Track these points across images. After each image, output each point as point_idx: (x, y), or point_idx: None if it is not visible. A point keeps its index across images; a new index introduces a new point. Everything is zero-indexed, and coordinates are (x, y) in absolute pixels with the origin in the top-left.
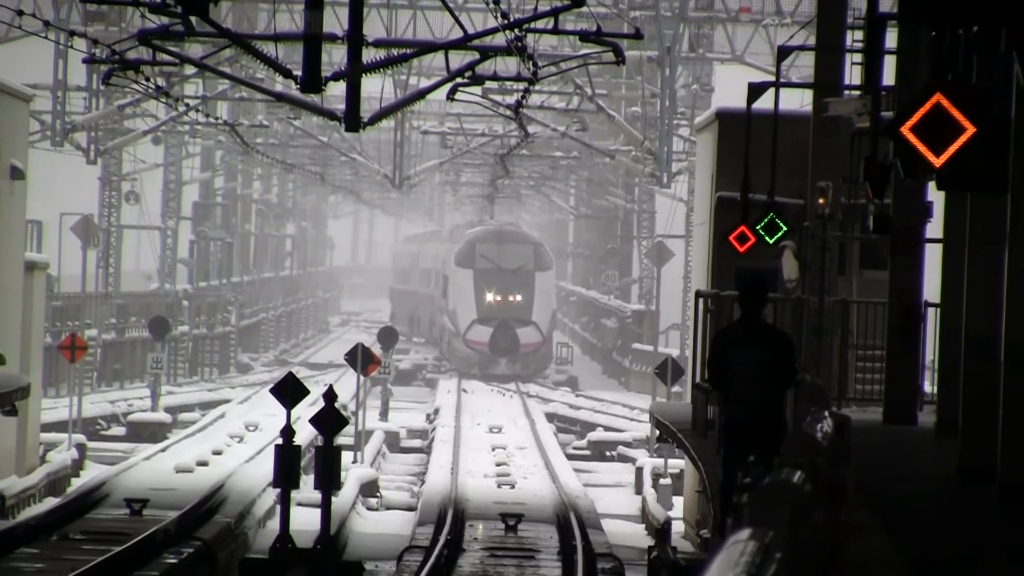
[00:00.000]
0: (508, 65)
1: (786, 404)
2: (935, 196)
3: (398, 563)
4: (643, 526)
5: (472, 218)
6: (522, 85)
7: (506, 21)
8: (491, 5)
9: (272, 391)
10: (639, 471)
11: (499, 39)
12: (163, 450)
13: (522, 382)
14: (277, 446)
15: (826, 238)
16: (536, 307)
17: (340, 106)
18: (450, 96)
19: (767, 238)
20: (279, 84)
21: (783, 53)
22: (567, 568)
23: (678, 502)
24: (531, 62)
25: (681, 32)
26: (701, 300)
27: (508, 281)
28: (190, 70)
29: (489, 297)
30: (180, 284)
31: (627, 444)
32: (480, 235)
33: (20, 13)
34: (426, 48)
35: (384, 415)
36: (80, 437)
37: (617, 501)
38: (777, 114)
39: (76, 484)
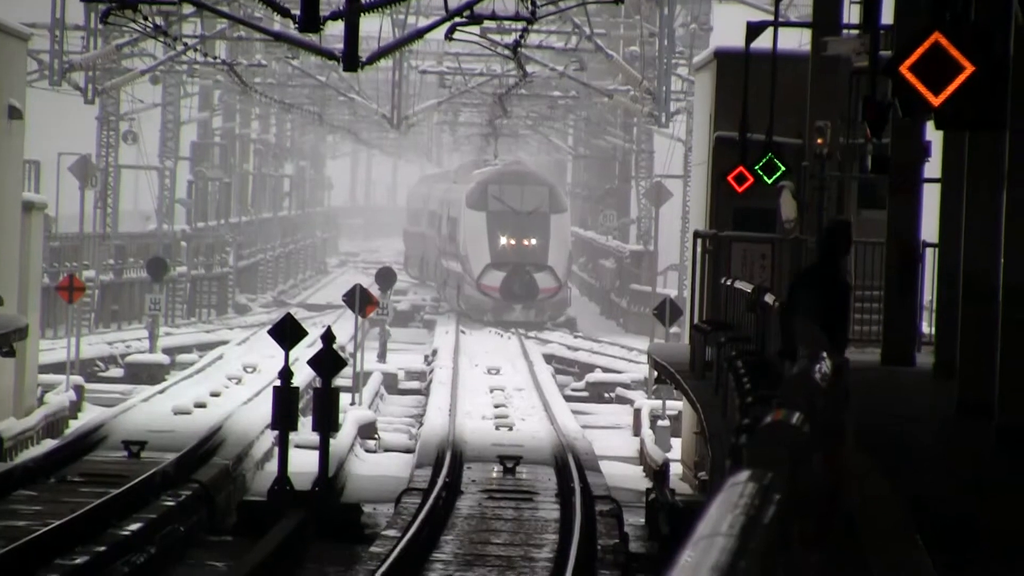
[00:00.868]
0: (506, 4)
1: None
2: (933, 136)
3: (396, 505)
4: (641, 468)
5: (473, 158)
6: (520, 25)
7: None
8: None
9: (270, 332)
10: (637, 413)
11: None
12: (161, 392)
13: (537, 330)
14: (275, 388)
15: (824, 178)
16: (552, 251)
17: (338, 46)
18: (448, 36)
19: (765, 178)
20: (277, 23)
21: None
22: (565, 510)
23: (676, 444)
24: (529, 1)
25: None
26: (699, 240)
27: (523, 224)
28: (188, 9)
29: (503, 241)
30: (178, 224)
31: (625, 385)
32: (492, 175)
33: None
34: None
35: (382, 356)
36: (78, 378)
37: (615, 443)
38: (776, 54)
39: (74, 426)
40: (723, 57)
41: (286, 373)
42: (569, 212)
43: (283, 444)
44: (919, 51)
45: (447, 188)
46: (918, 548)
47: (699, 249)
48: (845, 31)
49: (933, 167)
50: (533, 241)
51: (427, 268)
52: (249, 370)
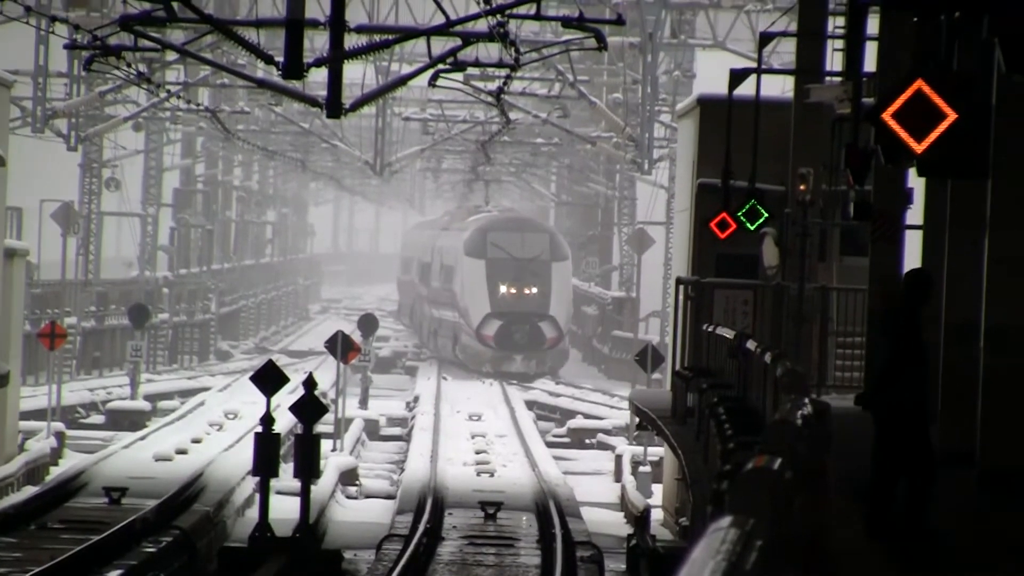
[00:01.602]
0: (490, 51)
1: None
2: (916, 183)
3: (377, 552)
4: (622, 514)
5: (458, 204)
6: (504, 71)
7: (488, 7)
8: None
9: (252, 379)
10: (618, 459)
11: (481, 25)
12: (142, 438)
13: (528, 382)
14: (257, 434)
15: (807, 224)
16: (554, 300)
17: (322, 92)
18: (432, 82)
19: (748, 225)
20: (261, 70)
21: (765, 39)
22: (546, 556)
23: (657, 490)
24: (513, 48)
25: (663, 18)
26: (682, 287)
27: (523, 272)
28: (171, 56)
29: (503, 289)
30: (160, 271)
31: (607, 432)
32: (491, 222)
33: None
34: (408, 34)
35: (364, 403)
36: (59, 425)
37: (596, 489)
38: (759, 100)
39: (55, 472)
40: (706, 104)
41: (267, 419)
42: (570, 260)
43: (264, 490)
44: (902, 98)
45: (437, 235)
46: None
47: (681, 295)
48: (828, 78)
49: (916, 214)
50: (534, 290)
51: (415, 316)
52: (231, 416)
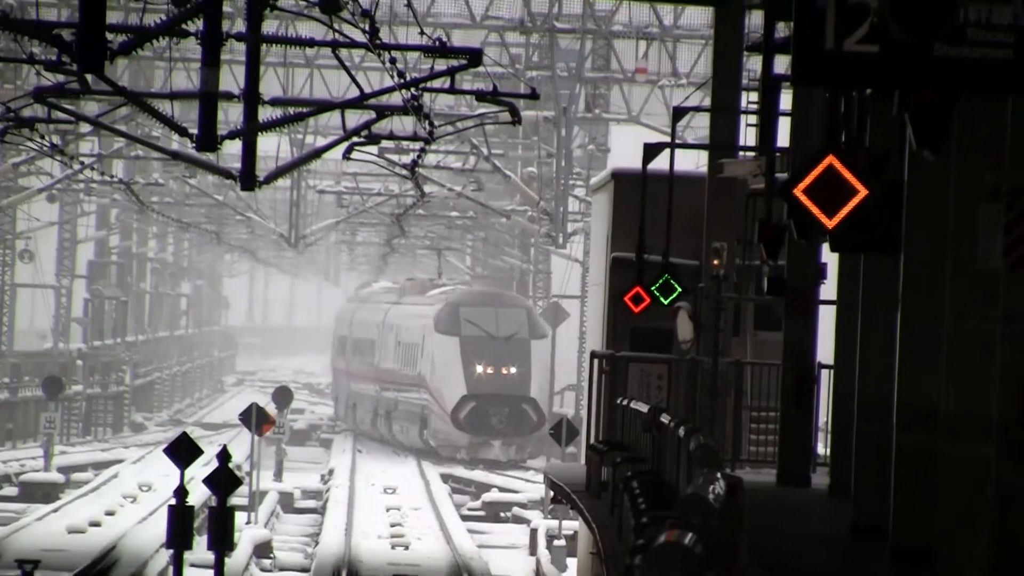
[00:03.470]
0: (404, 124)
1: None
2: (829, 258)
3: None
4: None
5: (368, 278)
6: (418, 144)
7: (402, 80)
8: (388, 64)
9: (166, 451)
10: (533, 532)
11: (396, 98)
12: (55, 510)
13: (514, 468)
14: (170, 506)
15: (721, 299)
16: (534, 381)
17: (236, 165)
18: (346, 155)
19: (662, 299)
20: (175, 142)
21: (679, 114)
22: None
23: (572, 564)
24: (427, 121)
25: (577, 92)
26: (596, 360)
27: (500, 351)
28: (85, 128)
29: (479, 369)
30: (74, 343)
31: (521, 505)
32: (463, 297)
33: None
34: (322, 107)
35: (278, 475)
36: None
37: (511, 562)
38: (672, 175)
39: None
40: (620, 178)
41: (181, 491)
42: (549, 337)
43: (178, 563)
44: (813, 174)
45: (387, 310)
46: None
47: (596, 369)
48: (741, 153)
49: (829, 289)
50: (513, 370)
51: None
52: (144, 489)
